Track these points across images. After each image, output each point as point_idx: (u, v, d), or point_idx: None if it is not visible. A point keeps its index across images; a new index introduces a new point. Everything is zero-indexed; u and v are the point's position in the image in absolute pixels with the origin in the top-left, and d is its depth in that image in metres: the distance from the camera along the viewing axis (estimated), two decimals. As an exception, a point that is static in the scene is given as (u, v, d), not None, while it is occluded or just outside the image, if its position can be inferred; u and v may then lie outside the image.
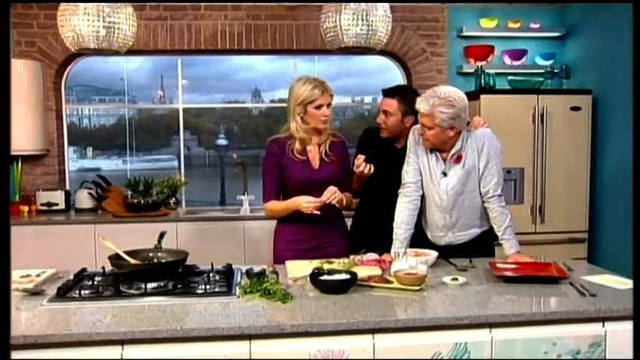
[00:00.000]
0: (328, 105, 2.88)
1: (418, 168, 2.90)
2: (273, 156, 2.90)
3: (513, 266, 2.59)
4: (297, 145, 2.89)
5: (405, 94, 3.12)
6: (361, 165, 2.93)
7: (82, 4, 3.06)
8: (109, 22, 3.13)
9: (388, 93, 3.16)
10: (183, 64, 5.35)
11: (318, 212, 2.82)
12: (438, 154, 2.85)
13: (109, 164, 6.77)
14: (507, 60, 5.17)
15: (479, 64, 5.01)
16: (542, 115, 4.67)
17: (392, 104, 3.11)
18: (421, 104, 2.73)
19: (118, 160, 6.91)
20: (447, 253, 2.85)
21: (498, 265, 2.61)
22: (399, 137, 3.17)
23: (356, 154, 3.17)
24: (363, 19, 3.25)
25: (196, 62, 5.50)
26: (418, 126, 2.86)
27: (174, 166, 5.84)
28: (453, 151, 2.81)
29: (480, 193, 2.85)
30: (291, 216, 2.89)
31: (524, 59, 5.17)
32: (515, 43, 5.22)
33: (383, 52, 5.02)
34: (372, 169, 2.95)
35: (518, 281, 2.42)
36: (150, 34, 4.96)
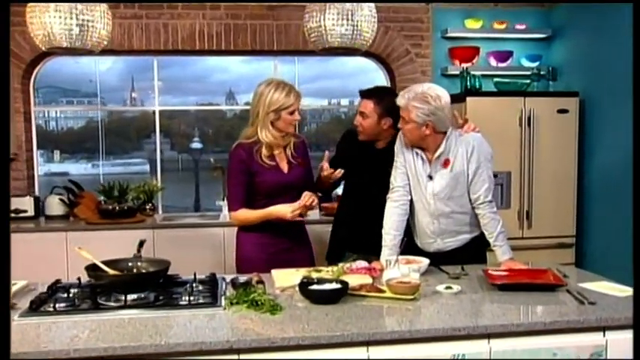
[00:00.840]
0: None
1: (406, 172, 2.90)
2: (241, 162, 2.86)
3: (508, 273, 2.57)
4: (265, 151, 2.87)
5: (382, 96, 3.10)
6: (326, 170, 2.95)
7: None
8: (83, 20, 3.02)
9: (364, 94, 3.14)
10: (157, 65, 5.26)
11: (302, 218, 2.85)
12: (423, 156, 2.83)
13: (77, 168, 6.64)
14: (493, 62, 5.18)
15: (464, 65, 5.02)
16: (529, 118, 4.69)
17: (368, 106, 3.08)
18: (399, 98, 2.76)
19: (87, 164, 6.78)
20: (437, 259, 2.83)
21: (493, 272, 2.58)
22: (376, 140, 3.15)
23: (335, 157, 3.19)
24: (348, 19, 3.21)
25: (169, 63, 5.42)
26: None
27: (146, 170, 5.75)
28: (437, 153, 2.79)
29: (470, 199, 2.84)
30: (259, 223, 2.89)
31: (509, 61, 5.19)
32: (501, 44, 5.24)
33: (366, 54, 4.99)
34: (341, 172, 2.96)
35: (514, 289, 2.39)
36: (124, 33, 4.86)
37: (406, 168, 2.89)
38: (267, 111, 2.82)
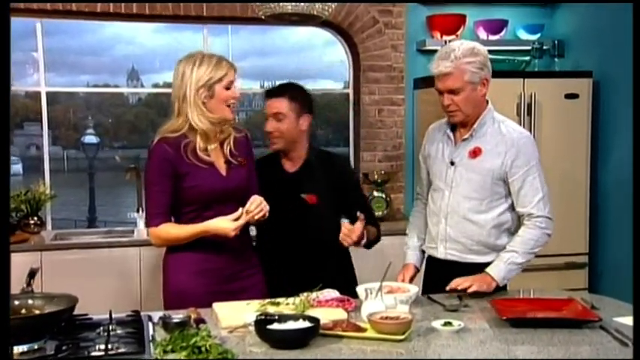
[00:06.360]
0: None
1: (427, 178, 3.11)
2: (167, 161, 2.80)
3: (521, 305, 2.60)
4: (201, 142, 2.82)
5: (295, 91, 3.24)
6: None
7: None
8: None
9: (275, 92, 3.23)
10: (42, 32, 5.08)
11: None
12: (451, 137, 2.97)
13: None
14: (483, 33, 5.23)
15: (446, 38, 5.04)
16: (529, 105, 4.75)
17: (282, 104, 3.17)
18: (441, 64, 2.82)
19: None
20: (438, 269, 3.00)
21: (501, 304, 2.56)
22: (292, 149, 3.23)
23: None
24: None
25: (53, 30, 5.22)
26: (434, 124, 3.11)
27: (18, 171, 5.53)
28: (467, 134, 2.91)
29: (512, 215, 2.92)
30: (193, 241, 2.82)
31: (503, 32, 5.24)
32: (493, 11, 5.31)
33: (322, 23, 4.95)
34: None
35: (530, 325, 2.39)
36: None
37: (428, 166, 3.08)
38: (196, 88, 2.79)
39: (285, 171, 3.25)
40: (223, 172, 2.87)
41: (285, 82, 3.29)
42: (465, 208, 2.91)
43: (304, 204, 3.16)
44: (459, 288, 2.73)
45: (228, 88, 2.83)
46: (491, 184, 2.88)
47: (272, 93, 3.22)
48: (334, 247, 3.03)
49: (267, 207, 2.77)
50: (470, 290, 2.72)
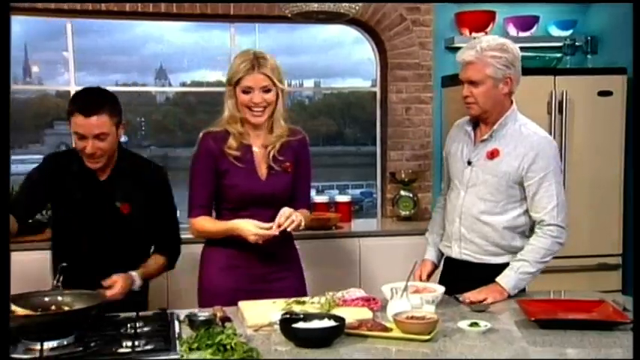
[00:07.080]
0: (265, 89, 2.79)
1: (449, 175, 3.10)
2: (209, 156, 2.85)
3: (550, 306, 2.59)
4: (233, 142, 2.85)
5: (110, 101, 2.95)
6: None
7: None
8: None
9: (91, 110, 2.83)
10: (72, 31, 5.12)
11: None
12: (471, 135, 2.96)
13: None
14: (513, 30, 5.20)
15: (475, 35, 5.00)
16: (560, 103, 4.70)
17: (104, 123, 2.84)
18: (465, 52, 2.84)
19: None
20: (454, 268, 3.03)
21: (530, 305, 2.56)
22: (109, 160, 3.01)
23: (31, 197, 3.06)
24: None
25: (83, 29, 5.28)
26: (458, 121, 3.10)
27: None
28: (486, 135, 2.88)
29: (527, 219, 2.89)
30: (228, 237, 2.84)
31: (535, 29, 5.21)
32: (523, 7, 5.26)
33: (349, 21, 4.96)
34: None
35: (559, 326, 2.38)
36: (26, -13, 4.71)
37: (449, 164, 3.09)
38: (226, 85, 2.86)
39: (97, 179, 2.98)
40: (263, 176, 2.88)
41: (89, 88, 3.02)
42: (479, 209, 2.91)
43: (119, 213, 2.95)
44: (474, 300, 2.70)
45: (245, 92, 2.79)
46: (506, 187, 2.86)
47: (87, 111, 2.81)
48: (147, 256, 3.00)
49: (300, 217, 2.73)
50: (486, 303, 2.69)
